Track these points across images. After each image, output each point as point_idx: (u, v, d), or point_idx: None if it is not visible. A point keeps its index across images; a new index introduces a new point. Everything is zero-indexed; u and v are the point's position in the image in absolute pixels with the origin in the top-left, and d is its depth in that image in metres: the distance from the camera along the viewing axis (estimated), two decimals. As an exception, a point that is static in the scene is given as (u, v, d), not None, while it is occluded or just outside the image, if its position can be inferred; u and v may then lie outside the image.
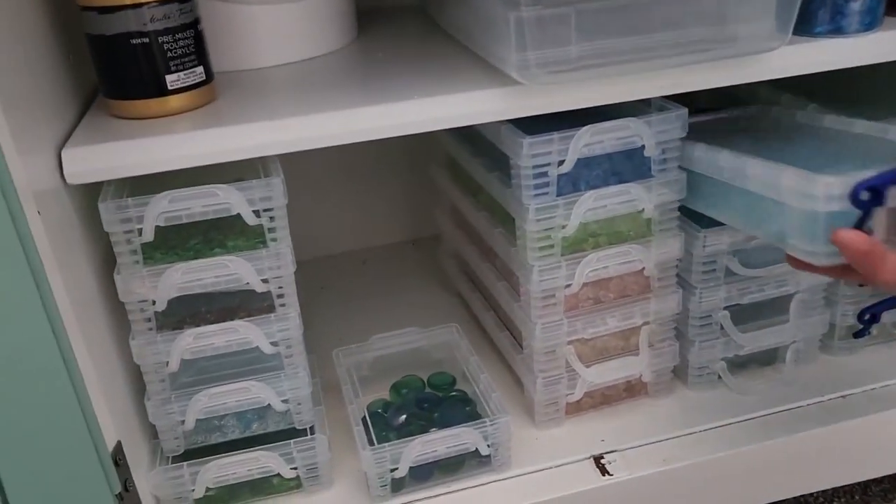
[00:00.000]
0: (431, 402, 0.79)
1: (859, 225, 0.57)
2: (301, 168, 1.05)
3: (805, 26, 0.69)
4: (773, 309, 0.81)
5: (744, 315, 0.79)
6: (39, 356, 0.53)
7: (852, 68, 0.69)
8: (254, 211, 0.64)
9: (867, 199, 0.56)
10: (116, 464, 0.60)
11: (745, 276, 0.76)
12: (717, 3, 0.63)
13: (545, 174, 0.68)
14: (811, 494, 0.91)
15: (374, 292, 1.03)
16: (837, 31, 0.69)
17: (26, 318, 0.53)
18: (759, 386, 0.80)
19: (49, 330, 0.54)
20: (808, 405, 0.79)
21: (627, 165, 0.71)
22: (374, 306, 0.99)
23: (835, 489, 0.91)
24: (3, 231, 0.51)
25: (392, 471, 0.70)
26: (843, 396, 0.79)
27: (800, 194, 0.59)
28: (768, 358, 0.83)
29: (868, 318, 0.81)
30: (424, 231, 1.14)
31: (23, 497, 0.52)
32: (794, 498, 0.90)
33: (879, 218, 0.56)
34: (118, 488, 0.58)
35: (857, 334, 0.83)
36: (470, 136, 0.82)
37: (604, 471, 0.73)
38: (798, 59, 0.68)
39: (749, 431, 0.76)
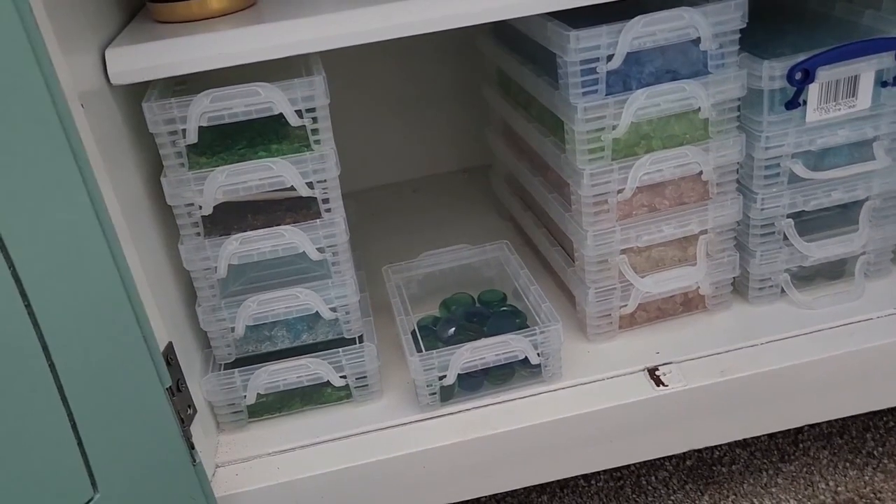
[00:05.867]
0: (481, 316, 0.78)
1: (795, 99, 0.67)
2: (352, 98, 1.05)
3: None
4: (842, 219, 0.77)
5: (810, 225, 0.75)
6: (88, 250, 0.54)
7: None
8: (296, 111, 0.63)
9: (800, 78, 0.66)
10: (168, 363, 0.61)
11: (810, 179, 0.72)
12: None
13: (594, 70, 0.65)
14: (880, 416, 0.87)
15: (425, 218, 1.02)
16: None
17: (74, 211, 0.53)
18: (826, 300, 0.76)
19: (97, 224, 0.54)
20: (878, 317, 0.74)
21: (682, 61, 0.68)
22: (424, 230, 0.98)
23: (908, 411, 0.87)
24: (49, 127, 0.51)
25: (441, 378, 0.69)
26: (917, 309, 0.75)
27: (752, 76, 0.69)
28: (836, 271, 0.79)
29: (946, 227, 0.76)
30: (476, 160, 1.12)
31: (79, 387, 0.53)
32: (863, 418, 0.87)
33: (812, 93, 0.68)
34: (168, 382, 0.58)
35: (934, 245, 0.78)
36: (519, 44, 0.80)
37: (658, 381, 0.71)
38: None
39: (814, 344, 0.73)
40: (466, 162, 1.13)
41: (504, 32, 0.85)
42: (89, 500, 0.53)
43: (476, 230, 0.97)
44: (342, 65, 1.02)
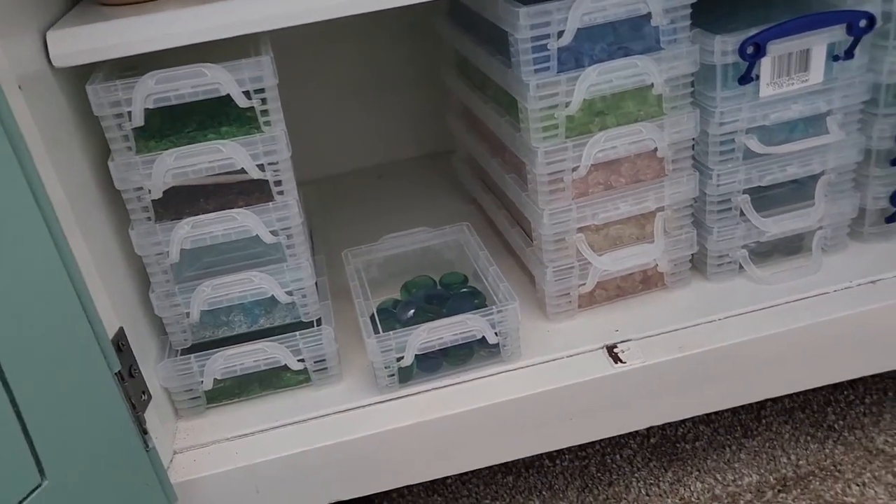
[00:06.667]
0: (441, 297, 0.77)
1: (748, 73, 0.67)
2: (315, 85, 1.04)
3: None
4: (799, 195, 0.77)
5: (767, 201, 0.76)
6: (28, 236, 0.53)
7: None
8: (245, 93, 0.62)
9: (752, 52, 0.66)
10: (119, 349, 0.61)
11: (765, 154, 0.72)
12: None
13: (545, 47, 0.65)
14: (840, 390, 0.88)
15: (389, 203, 1.02)
16: None
17: (11, 195, 0.52)
18: (783, 275, 0.77)
19: (37, 211, 0.53)
20: (834, 291, 0.75)
21: (634, 37, 0.67)
22: (389, 215, 0.97)
23: (866, 384, 0.88)
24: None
25: (398, 360, 0.69)
26: (872, 282, 0.75)
27: (704, 51, 0.68)
28: (793, 246, 0.79)
29: (901, 200, 0.77)
30: (442, 145, 1.11)
31: (22, 373, 0.52)
32: (824, 392, 0.88)
33: (765, 67, 0.67)
34: (117, 367, 0.58)
35: (890, 219, 0.78)
36: (475, 25, 0.79)
37: (617, 359, 0.71)
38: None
39: (771, 318, 0.73)
40: (431, 147, 1.12)
41: (460, 14, 0.84)
42: (36, 487, 0.52)
43: (440, 214, 0.96)
44: (306, 52, 1.01)
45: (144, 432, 0.61)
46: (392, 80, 1.07)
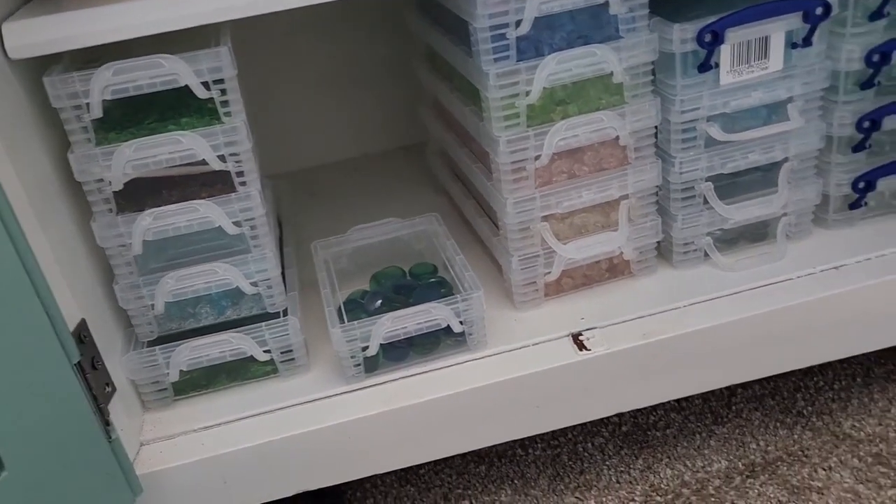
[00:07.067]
0: (408, 288, 0.78)
1: (707, 61, 0.68)
2: (289, 78, 1.04)
3: None
4: (763, 182, 0.78)
5: (732, 189, 0.76)
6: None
7: None
8: (204, 83, 0.63)
9: (710, 40, 0.66)
10: (81, 340, 0.61)
11: (726, 142, 0.73)
12: None
13: (503, 36, 0.65)
14: (811, 376, 0.88)
15: (362, 196, 1.02)
16: None
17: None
18: (748, 262, 0.77)
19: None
20: (798, 277, 0.75)
21: (593, 26, 0.68)
22: (361, 207, 0.97)
23: (835, 371, 0.89)
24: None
25: (364, 349, 0.69)
26: (836, 268, 0.76)
27: (664, 40, 0.69)
28: (758, 233, 0.80)
29: (863, 187, 0.77)
30: (414, 137, 1.11)
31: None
32: (794, 378, 0.88)
33: (724, 55, 0.68)
34: (76, 359, 0.58)
35: (853, 205, 0.79)
36: (441, 17, 0.80)
37: (581, 346, 0.71)
38: None
39: (735, 304, 0.73)
40: (405, 139, 1.12)
41: (428, 5, 0.85)
42: (-5, 477, 0.53)
43: (413, 206, 0.96)
44: (279, 45, 1.02)
45: (107, 423, 0.61)
46: (366, 72, 1.08)
